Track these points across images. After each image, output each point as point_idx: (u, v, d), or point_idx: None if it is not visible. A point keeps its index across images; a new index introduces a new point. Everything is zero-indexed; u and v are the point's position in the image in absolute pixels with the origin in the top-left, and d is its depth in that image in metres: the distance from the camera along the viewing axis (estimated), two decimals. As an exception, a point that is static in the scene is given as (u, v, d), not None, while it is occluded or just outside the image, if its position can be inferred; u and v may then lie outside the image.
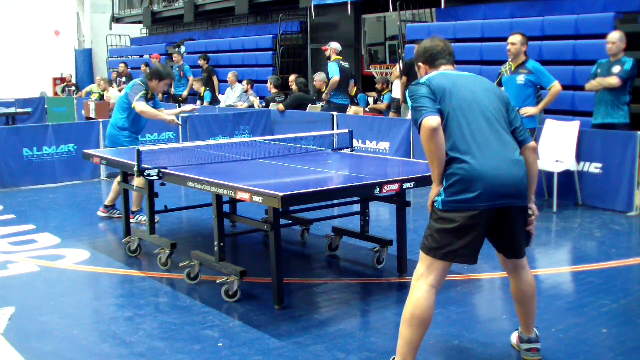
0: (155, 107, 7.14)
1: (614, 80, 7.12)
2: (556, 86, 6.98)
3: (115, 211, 7.36)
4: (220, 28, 18.45)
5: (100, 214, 7.40)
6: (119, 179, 6.60)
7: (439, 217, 3.30)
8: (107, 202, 7.39)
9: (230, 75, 13.98)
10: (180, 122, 7.19)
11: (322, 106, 10.87)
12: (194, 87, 15.19)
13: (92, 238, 6.50)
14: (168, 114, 7.15)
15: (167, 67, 7.36)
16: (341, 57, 10.65)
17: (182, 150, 6.51)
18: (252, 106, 13.36)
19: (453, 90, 3.34)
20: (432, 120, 3.19)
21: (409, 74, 9.76)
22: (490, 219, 3.28)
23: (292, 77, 13.00)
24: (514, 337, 3.82)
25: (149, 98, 7.02)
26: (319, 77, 11.60)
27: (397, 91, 11.08)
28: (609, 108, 7.28)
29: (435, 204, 3.33)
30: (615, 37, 7.29)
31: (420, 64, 3.64)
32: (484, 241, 3.37)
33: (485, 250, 3.94)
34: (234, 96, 13.82)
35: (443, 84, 3.36)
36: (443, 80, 3.38)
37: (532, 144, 3.49)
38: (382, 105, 11.56)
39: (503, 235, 3.43)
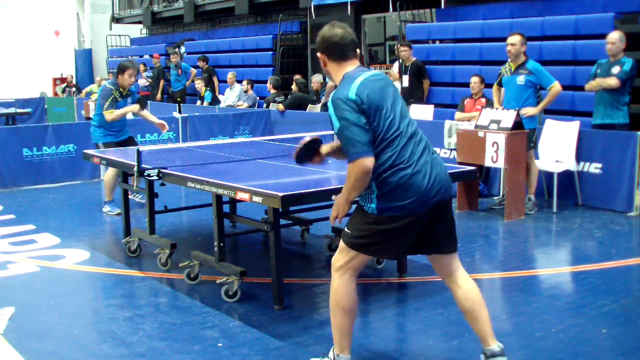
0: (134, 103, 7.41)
1: (612, 81, 7.11)
2: (556, 86, 6.99)
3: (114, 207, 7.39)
4: (220, 28, 18.45)
5: (105, 211, 7.53)
6: (108, 174, 7.17)
7: (372, 220, 3.24)
8: (106, 199, 7.45)
9: (230, 75, 13.98)
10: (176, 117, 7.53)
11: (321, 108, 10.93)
12: (195, 86, 15.19)
13: (91, 238, 6.50)
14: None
15: (129, 60, 7.50)
16: None
17: (182, 150, 6.52)
18: (253, 105, 13.36)
19: (382, 102, 3.18)
20: (368, 162, 3.08)
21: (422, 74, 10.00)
22: (428, 218, 3.26)
23: (297, 77, 13.00)
24: None
25: (125, 95, 7.22)
26: (316, 79, 11.69)
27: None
28: (608, 108, 7.27)
29: (368, 210, 3.25)
30: (614, 37, 7.28)
31: (325, 57, 3.31)
32: (411, 243, 3.34)
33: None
34: (233, 96, 13.82)
35: (372, 98, 3.15)
36: (370, 92, 3.16)
37: None
38: None
39: (440, 227, 3.33)
